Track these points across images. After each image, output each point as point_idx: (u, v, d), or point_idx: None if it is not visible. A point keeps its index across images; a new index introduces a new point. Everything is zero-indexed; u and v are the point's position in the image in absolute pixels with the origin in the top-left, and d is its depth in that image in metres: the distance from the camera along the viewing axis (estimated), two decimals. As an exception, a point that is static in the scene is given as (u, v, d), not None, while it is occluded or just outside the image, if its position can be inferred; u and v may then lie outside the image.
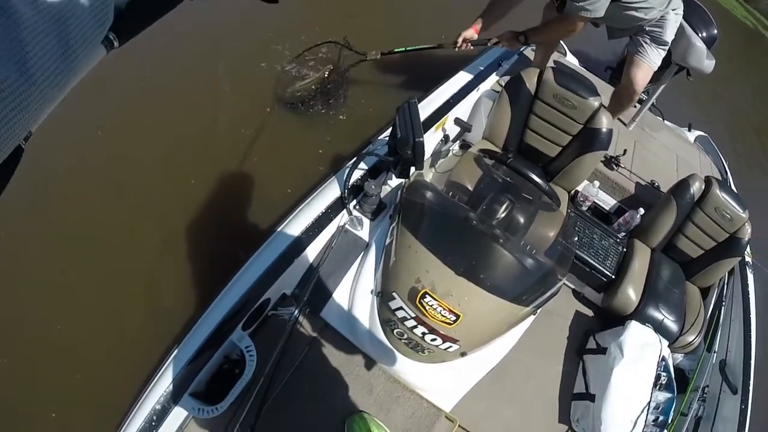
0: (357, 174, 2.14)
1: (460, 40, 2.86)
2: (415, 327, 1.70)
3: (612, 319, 2.47)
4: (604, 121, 2.41)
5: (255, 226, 2.74)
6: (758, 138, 7.13)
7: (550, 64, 3.32)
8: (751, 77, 9.69)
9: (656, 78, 3.22)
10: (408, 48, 3.11)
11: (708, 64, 2.99)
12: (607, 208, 2.96)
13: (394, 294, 1.74)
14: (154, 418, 1.53)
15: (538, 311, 1.94)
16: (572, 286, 2.73)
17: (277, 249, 1.87)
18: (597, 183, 2.80)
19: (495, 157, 2.37)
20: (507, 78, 2.78)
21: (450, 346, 1.72)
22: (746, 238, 2.59)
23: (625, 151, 3.02)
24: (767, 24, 17.83)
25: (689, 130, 4.12)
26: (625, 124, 3.39)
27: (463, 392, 1.93)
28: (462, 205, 2.00)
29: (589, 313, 2.68)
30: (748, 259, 2.99)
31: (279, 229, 1.96)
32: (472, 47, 2.91)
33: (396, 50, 3.16)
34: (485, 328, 1.78)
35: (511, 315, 1.82)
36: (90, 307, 2.37)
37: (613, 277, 2.54)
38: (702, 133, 4.16)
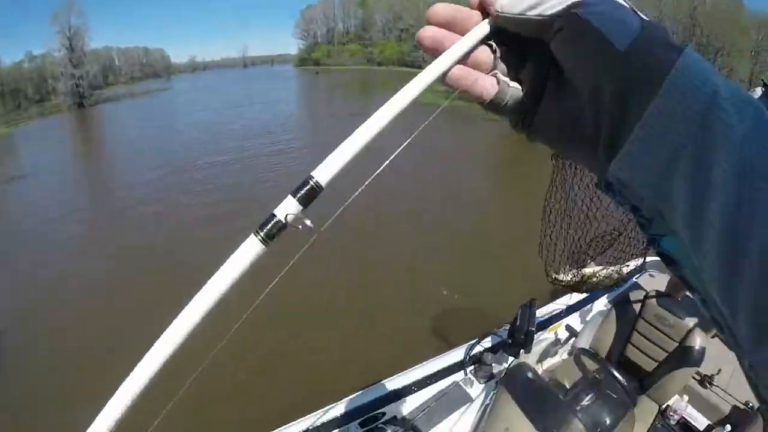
0: (479, 347, 2.80)
1: None
2: None
3: None
4: (698, 340, 2.70)
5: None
6: None
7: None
8: None
9: None
10: None
11: None
12: (697, 425, 3.02)
13: None
14: None
15: None
16: None
17: (405, 380, 2.58)
18: (686, 398, 2.95)
19: (593, 359, 2.87)
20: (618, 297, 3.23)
21: None
22: None
23: (719, 370, 3.11)
24: None
25: None
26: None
27: None
28: (553, 387, 2.49)
29: None
30: None
31: (412, 368, 2.68)
32: None
33: None
34: None
35: None
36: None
37: None
38: None
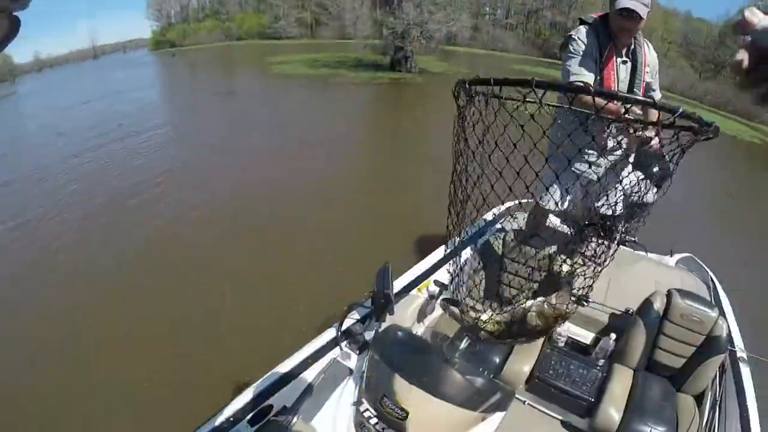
0: (348, 321, 2.85)
1: None
2: (377, 423, 2.21)
3: None
4: (563, 266, 2.82)
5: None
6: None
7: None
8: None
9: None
10: None
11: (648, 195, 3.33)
12: (585, 341, 3.25)
13: (362, 400, 2.31)
14: None
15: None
16: (559, 417, 2.90)
17: (284, 368, 2.57)
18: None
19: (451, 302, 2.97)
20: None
21: None
22: (724, 335, 2.69)
23: (591, 287, 3.33)
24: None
25: (671, 255, 4.32)
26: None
27: None
28: (424, 341, 2.62)
29: None
30: (741, 354, 2.94)
31: (289, 356, 2.67)
32: None
33: None
34: (430, 423, 2.21)
35: (449, 414, 2.23)
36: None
37: (593, 400, 2.72)
38: (686, 255, 4.31)
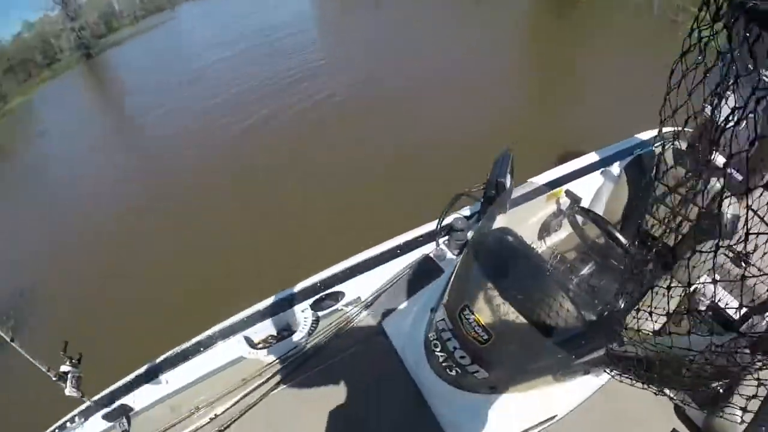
0: (453, 216, 2.38)
1: None
2: (449, 340, 1.71)
3: None
4: (729, 207, 2.14)
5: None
6: None
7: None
8: None
9: None
10: None
11: None
12: (730, 312, 2.40)
13: (441, 306, 1.83)
14: (208, 342, 1.93)
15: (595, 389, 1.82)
16: (675, 399, 2.25)
17: (366, 254, 2.23)
18: (717, 278, 2.34)
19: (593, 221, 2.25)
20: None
21: (477, 370, 1.67)
22: None
23: (756, 246, 2.45)
24: None
25: None
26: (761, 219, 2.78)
27: None
28: (537, 255, 1.94)
29: None
30: None
31: (376, 244, 2.32)
32: None
33: None
34: (514, 358, 1.69)
35: (543, 352, 1.65)
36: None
37: (721, 392, 2.02)
38: None
